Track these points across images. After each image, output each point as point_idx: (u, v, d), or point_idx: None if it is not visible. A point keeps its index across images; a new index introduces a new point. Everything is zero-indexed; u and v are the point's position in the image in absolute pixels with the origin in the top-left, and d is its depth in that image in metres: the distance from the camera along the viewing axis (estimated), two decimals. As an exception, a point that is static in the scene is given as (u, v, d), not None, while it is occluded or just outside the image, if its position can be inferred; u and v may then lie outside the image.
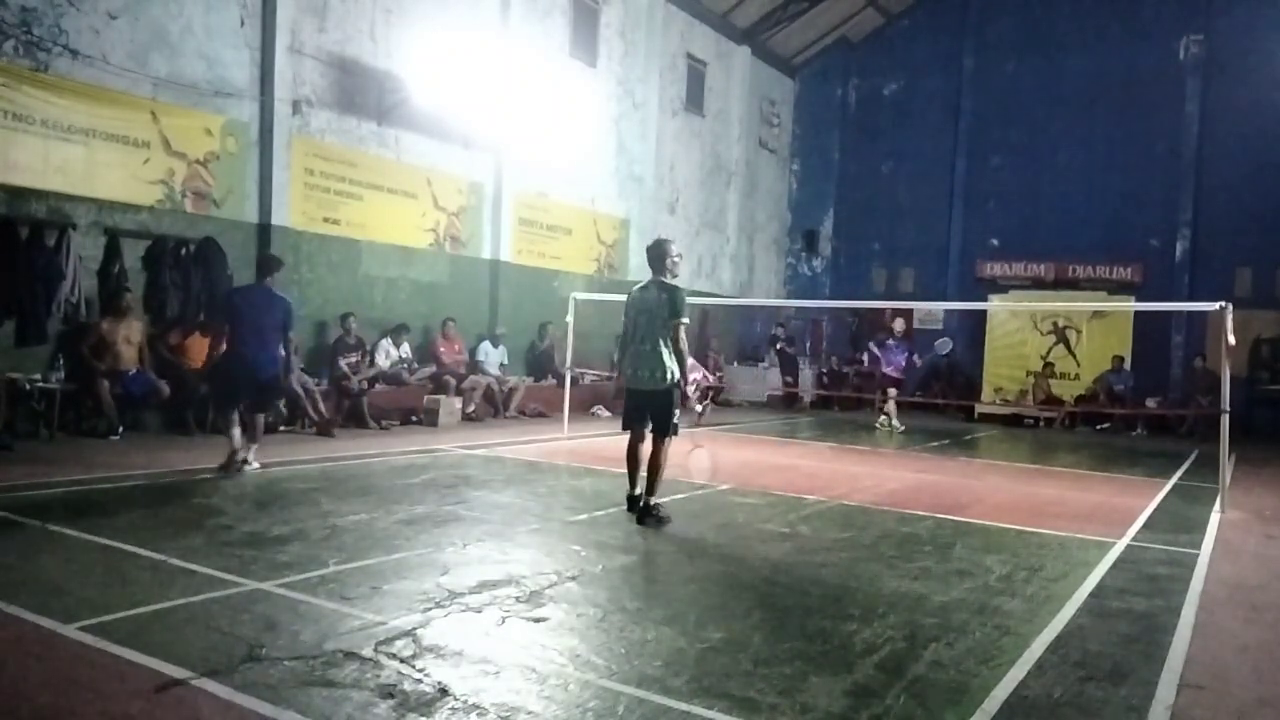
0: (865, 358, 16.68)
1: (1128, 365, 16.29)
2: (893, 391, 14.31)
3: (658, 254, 6.33)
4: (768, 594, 4.64)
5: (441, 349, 12.47)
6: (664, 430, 6.15)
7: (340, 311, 11.41)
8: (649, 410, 6.19)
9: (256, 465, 7.41)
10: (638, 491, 6.27)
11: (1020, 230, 18.71)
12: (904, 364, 14.37)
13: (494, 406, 12.97)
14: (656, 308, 6.12)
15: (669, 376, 6.09)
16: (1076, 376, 17.12)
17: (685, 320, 6.13)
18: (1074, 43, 18.37)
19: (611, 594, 4.52)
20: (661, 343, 6.08)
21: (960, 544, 6.06)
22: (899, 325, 14.71)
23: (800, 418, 16.25)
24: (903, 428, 14.00)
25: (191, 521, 5.58)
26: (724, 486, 7.91)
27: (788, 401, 18.38)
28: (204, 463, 7.63)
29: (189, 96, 9.88)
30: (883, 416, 14.26)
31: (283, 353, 7.41)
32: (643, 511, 6.13)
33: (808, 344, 20.20)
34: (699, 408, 13.75)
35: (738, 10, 18.40)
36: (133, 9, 9.32)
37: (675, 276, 6.34)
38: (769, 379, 18.34)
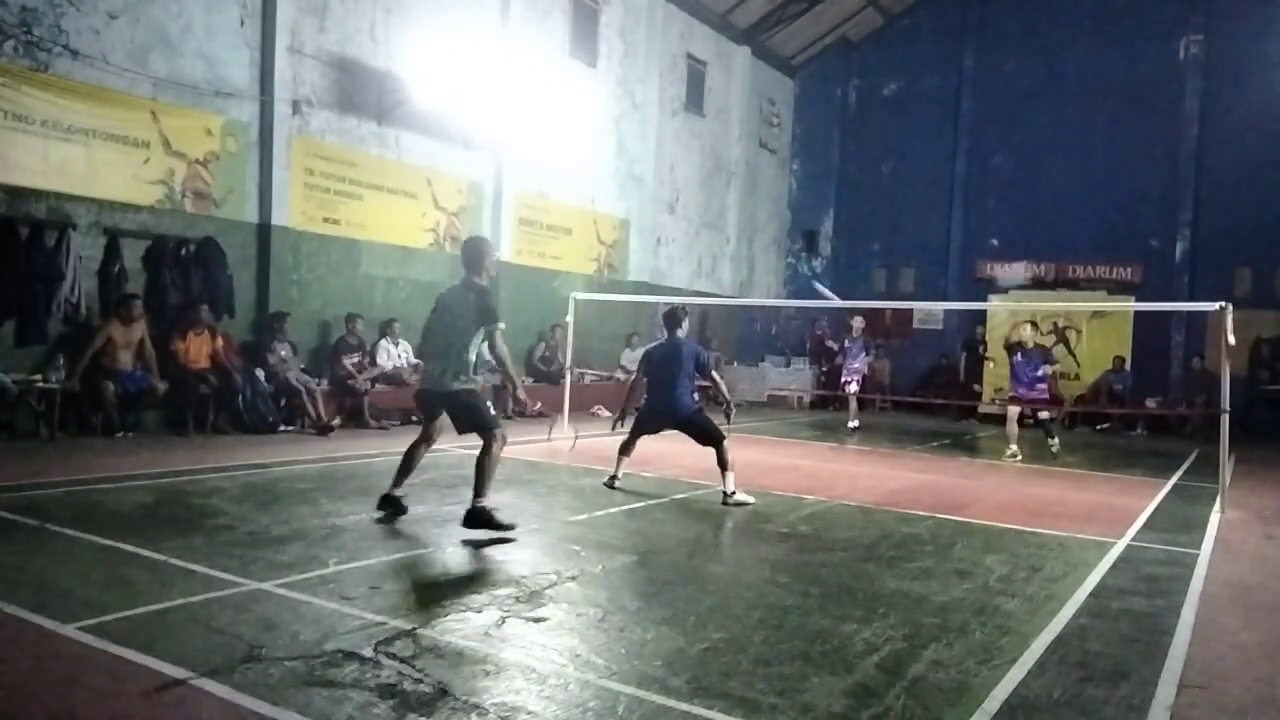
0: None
1: (1128, 365, 16.29)
2: (1045, 413, 11.66)
3: (475, 254, 5.95)
4: (768, 594, 4.64)
5: (427, 350, 12.47)
6: (487, 427, 5.76)
7: (342, 312, 11.43)
8: (448, 412, 5.91)
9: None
10: (398, 492, 5.99)
11: (1020, 230, 18.71)
12: (1044, 378, 11.56)
13: (505, 405, 12.97)
14: (463, 309, 5.76)
15: (465, 378, 5.77)
16: (1076, 376, 17.11)
17: (501, 325, 5.79)
18: (1074, 43, 18.36)
19: (611, 594, 4.52)
20: (465, 345, 5.75)
21: (960, 544, 6.06)
22: (1027, 332, 11.82)
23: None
24: (1020, 457, 11.28)
25: (191, 521, 5.58)
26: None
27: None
28: (204, 463, 7.64)
29: (189, 96, 9.88)
30: (1053, 442, 11.47)
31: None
32: (472, 516, 5.56)
33: (806, 344, 20.18)
34: (855, 423, 14.02)
35: (738, 10, 18.40)
36: (133, 9, 9.31)
37: (490, 278, 6.08)
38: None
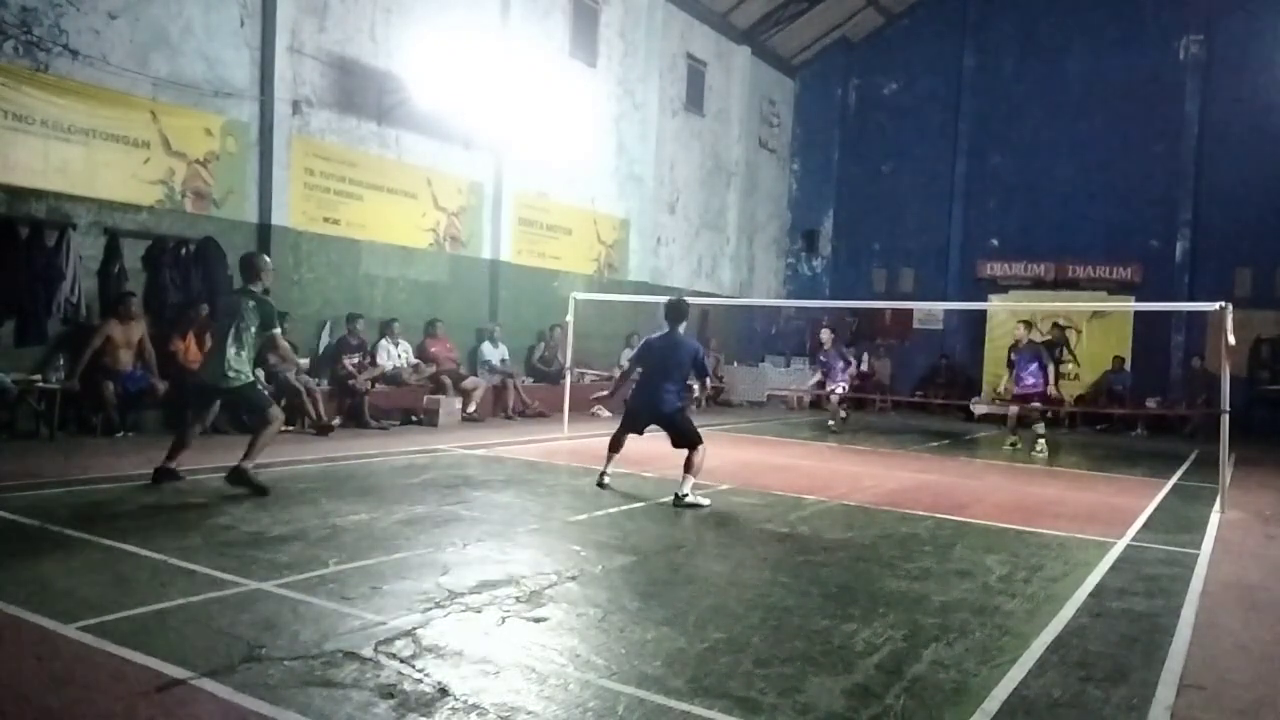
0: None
1: (1128, 365, 16.28)
2: (1035, 405, 12.05)
3: (250, 266, 6.78)
4: (768, 594, 4.64)
5: (433, 350, 12.48)
6: (263, 411, 6.76)
7: (342, 312, 11.45)
8: (234, 401, 6.95)
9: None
10: (173, 464, 6.68)
11: (1020, 230, 18.71)
12: (1042, 375, 12.05)
13: (505, 405, 13.02)
14: (248, 315, 6.58)
15: (246, 375, 6.69)
16: (1076, 376, 17.12)
17: (276, 330, 6.73)
18: (1074, 43, 18.37)
19: (611, 594, 4.52)
20: (245, 347, 6.60)
21: (960, 544, 6.06)
22: (1020, 332, 12.41)
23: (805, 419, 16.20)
24: (1020, 444, 12.08)
25: (191, 521, 5.58)
26: (724, 486, 7.90)
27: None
28: (203, 463, 7.62)
29: (189, 96, 9.88)
30: (1039, 442, 11.75)
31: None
32: (239, 475, 6.44)
33: (806, 345, 20.21)
34: (842, 413, 13.95)
35: (738, 10, 18.40)
36: (133, 9, 9.32)
37: (266, 289, 6.85)
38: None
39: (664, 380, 7.36)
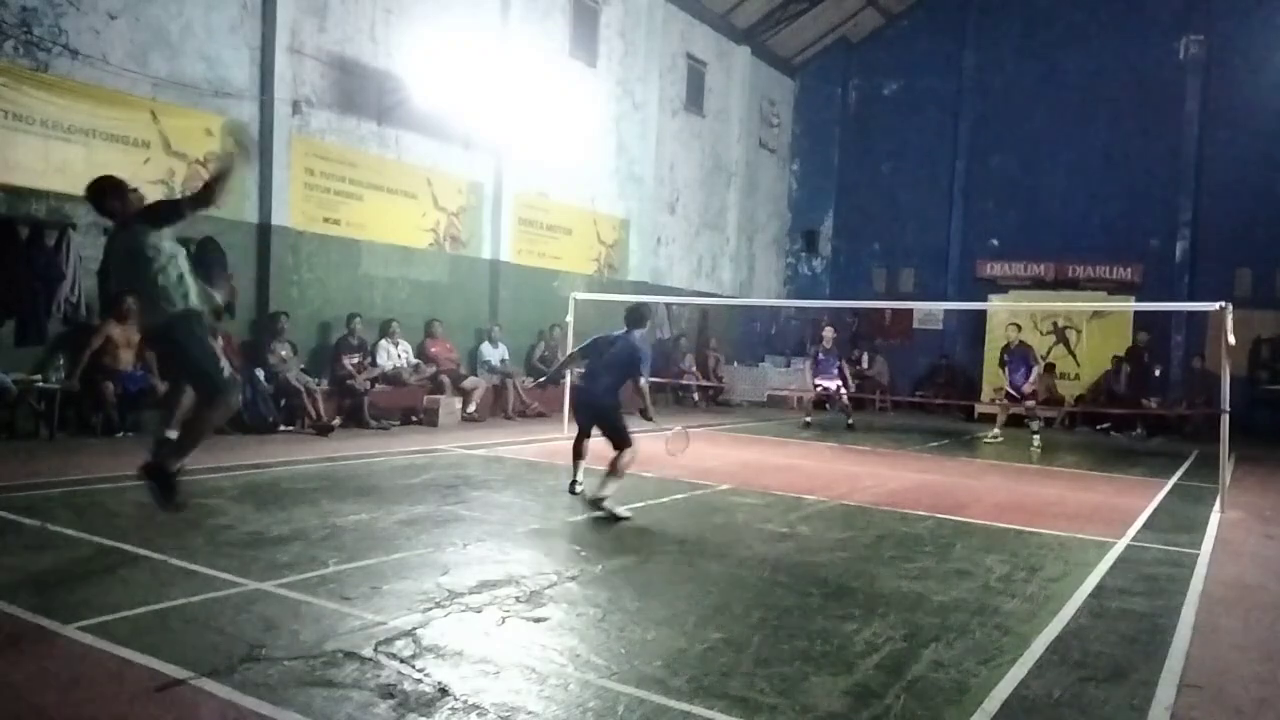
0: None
1: (1126, 367, 16.26)
2: (1030, 404, 13.22)
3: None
4: (768, 594, 4.64)
5: (433, 350, 12.48)
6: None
7: (342, 312, 11.45)
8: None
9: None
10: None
11: (1020, 230, 18.70)
12: (1027, 376, 13.08)
13: (505, 405, 13.03)
14: None
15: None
16: (1076, 376, 17.12)
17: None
18: (1074, 43, 18.35)
19: (611, 594, 4.52)
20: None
21: (960, 544, 6.06)
22: (1012, 333, 13.57)
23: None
24: (1001, 438, 13.13)
25: (191, 521, 5.57)
26: (724, 486, 7.90)
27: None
28: (204, 463, 7.62)
29: (189, 96, 9.88)
30: (1035, 440, 12.48)
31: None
32: (156, 470, 5.28)
33: (806, 344, 20.18)
34: (809, 418, 14.17)
35: (738, 10, 18.40)
36: (133, 9, 9.32)
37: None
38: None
39: (603, 375, 6.98)
